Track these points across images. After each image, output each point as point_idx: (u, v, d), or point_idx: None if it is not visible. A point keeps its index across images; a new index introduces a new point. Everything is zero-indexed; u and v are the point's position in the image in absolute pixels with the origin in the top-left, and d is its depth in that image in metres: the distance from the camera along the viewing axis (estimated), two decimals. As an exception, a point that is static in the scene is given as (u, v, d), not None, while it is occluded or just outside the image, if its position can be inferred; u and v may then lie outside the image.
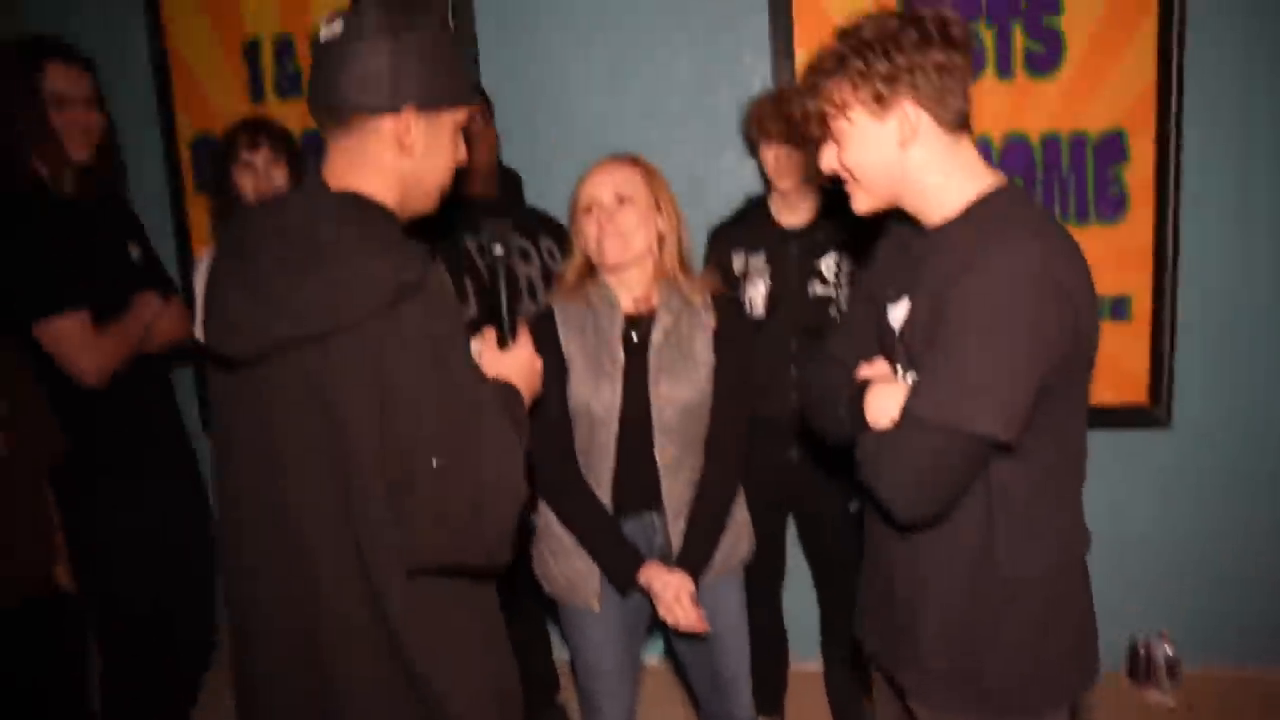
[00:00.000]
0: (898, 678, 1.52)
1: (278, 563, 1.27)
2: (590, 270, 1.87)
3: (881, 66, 1.29)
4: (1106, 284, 2.66)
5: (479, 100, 1.36)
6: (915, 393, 1.30)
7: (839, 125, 1.36)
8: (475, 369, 1.30)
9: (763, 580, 2.43)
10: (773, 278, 2.35)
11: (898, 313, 1.43)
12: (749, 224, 2.45)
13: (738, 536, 1.96)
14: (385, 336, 1.15)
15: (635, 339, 1.85)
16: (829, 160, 1.41)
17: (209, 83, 2.99)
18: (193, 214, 3.06)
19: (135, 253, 2.32)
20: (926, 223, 1.41)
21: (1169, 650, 2.80)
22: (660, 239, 1.86)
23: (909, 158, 1.35)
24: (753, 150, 2.49)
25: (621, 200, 1.81)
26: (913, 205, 1.41)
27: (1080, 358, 1.33)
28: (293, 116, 2.72)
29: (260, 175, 2.31)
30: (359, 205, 1.25)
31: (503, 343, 1.50)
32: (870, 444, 1.35)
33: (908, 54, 1.29)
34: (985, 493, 1.35)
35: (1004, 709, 1.41)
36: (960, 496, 1.34)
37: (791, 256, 2.36)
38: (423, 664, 1.26)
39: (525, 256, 2.34)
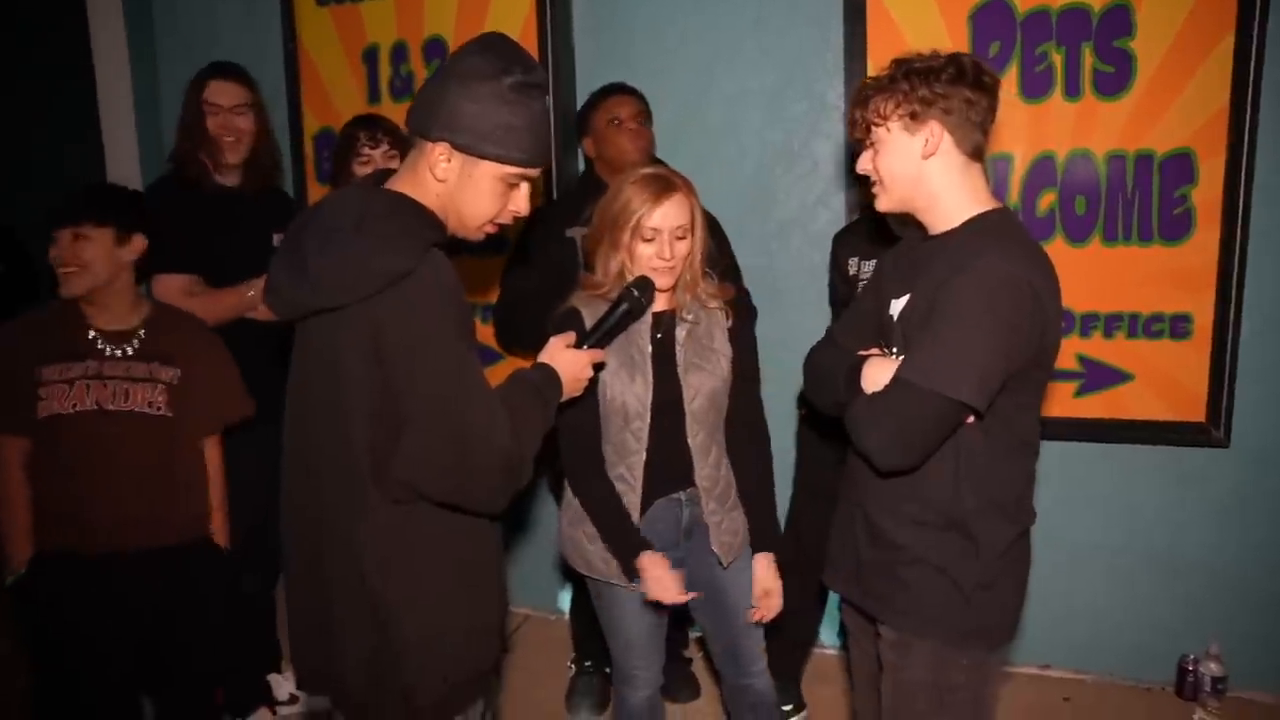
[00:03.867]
0: (870, 609, 1.77)
1: (302, 493, 1.54)
2: (621, 274, 2.02)
3: (921, 91, 1.57)
4: (1167, 302, 2.70)
5: (533, 165, 1.52)
6: (906, 363, 1.56)
7: (879, 133, 1.63)
8: (467, 344, 1.49)
9: (809, 569, 2.57)
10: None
11: (898, 305, 1.67)
12: (865, 231, 2.59)
13: None
14: (385, 309, 1.38)
15: (659, 336, 2.04)
16: (864, 163, 1.68)
17: (332, 83, 3.32)
18: (312, 200, 3.38)
19: (277, 239, 2.64)
20: (931, 231, 1.67)
21: (1216, 669, 2.81)
22: (691, 250, 2.02)
23: (926, 168, 1.61)
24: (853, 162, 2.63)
25: (682, 235, 1.98)
26: (923, 214, 1.67)
27: (1041, 359, 1.59)
28: (404, 117, 2.99)
29: (376, 167, 2.58)
30: (393, 205, 1.46)
31: (578, 345, 1.75)
32: (861, 404, 1.61)
33: (943, 86, 1.57)
34: (955, 455, 1.60)
35: (962, 641, 1.66)
36: (932, 451, 1.58)
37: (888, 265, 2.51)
38: (381, 586, 1.47)
39: None
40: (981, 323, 1.50)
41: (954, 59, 1.59)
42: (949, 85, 1.56)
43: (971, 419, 1.58)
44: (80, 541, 2.13)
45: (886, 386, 1.57)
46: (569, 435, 2.04)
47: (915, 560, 1.66)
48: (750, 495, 2.12)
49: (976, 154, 1.62)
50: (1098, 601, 2.95)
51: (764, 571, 2.09)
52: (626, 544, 2.02)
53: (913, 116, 1.58)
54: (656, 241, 1.96)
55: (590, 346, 1.78)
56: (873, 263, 2.51)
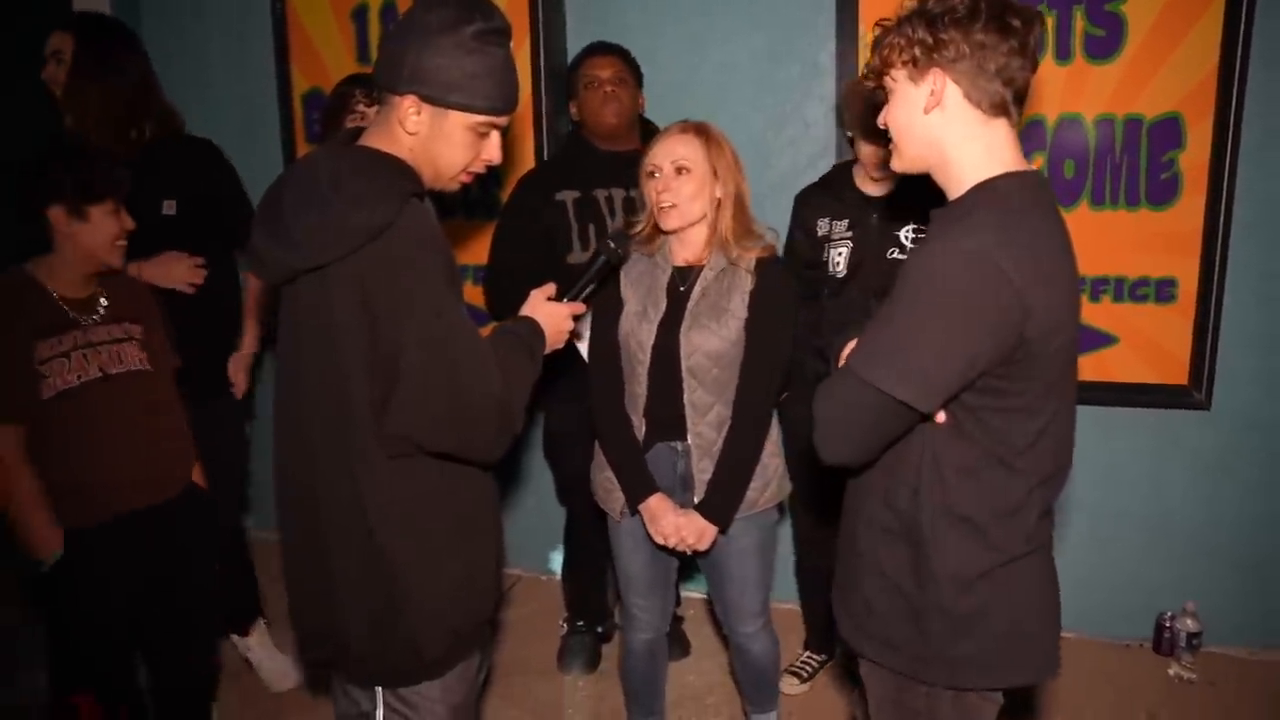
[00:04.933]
0: (840, 625, 1.62)
1: (295, 457, 1.55)
2: (655, 233, 2.07)
3: (924, 35, 1.35)
4: (1152, 266, 2.74)
5: (500, 113, 1.53)
6: (854, 349, 1.40)
7: (888, 82, 1.43)
8: (455, 293, 1.49)
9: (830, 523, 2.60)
10: (854, 242, 2.50)
11: None
12: (834, 191, 2.58)
13: (765, 482, 2.15)
14: (369, 263, 1.39)
15: (680, 289, 2.06)
16: (881, 116, 1.47)
17: (321, 42, 3.29)
18: (302, 162, 3.37)
19: (169, 208, 2.63)
20: (948, 197, 1.45)
21: (1192, 625, 2.88)
22: (717, 204, 2.03)
23: (929, 124, 1.39)
24: (842, 124, 2.65)
25: (680, 170, 1.99)
26: (937, 176, 1.45)
27: (1027, 359, 1.33)
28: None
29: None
30: (368, 159, 1.47)
31: (559, 297, 1.76)
32: (820, 386, 1.44)
33: (951, 29, 1.33)
34: (918, 463, 1.42)
35: (922, 672, 1.47)
36: (876, 449, 1.42)
37: (872, 224, 2.49)
38: (389, 554, 1.49)
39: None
40: (930, 309, 1.30)
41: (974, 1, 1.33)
42: (957, 28, 1.32)
43: (943, 418, 1.38)
44: (95, 514, 2.12)
45: (835, 373, 1.42)
46: (594, 366, 2.13)
47: (874, 572, 1.49)
48: (721, 460, 2.07)
49: (998, 109, 1.37)
50: (1078, 561, 3.00)
51: (686, 523, 2.05)
52: (637, 480, 2.09)
53: (914, 63, 1.37)
54: (656, 178, 1.98)
55: (570, 300, 1.80)
56: (844, 222, 2.52)
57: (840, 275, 2.51)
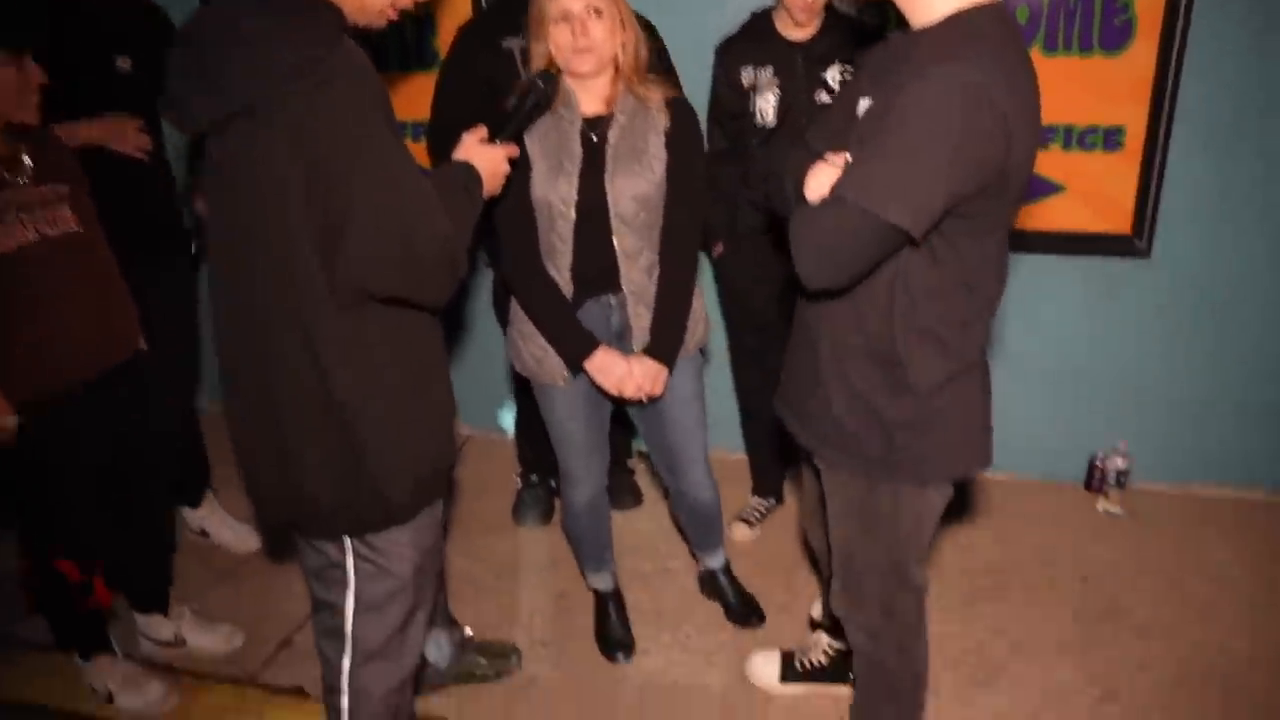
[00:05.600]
0: (805, 440, 1.74)
1: (238, 318, 1.50)
2: (550, 62, 1.96)
3: None
4: (1102, 114, 2.72)
5: None
6: (844, 175, 1.41)
7: None
8: (393, 130, 1.42)
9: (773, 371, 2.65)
10: (781, 89, 2.47)
11: (864, 105, 1.53)
12: (756, 39, 2.53)
13: (694, 322, 2.16)
14: (304, 104, 1.32)
15: (594, 139, 1.99)
16: None
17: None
18: None
19: (124, 65, 2.48)
20: (912, 26, 1.47)
21: (1122, 463, 3.02)
22: (622, 47, 1.96)
23: None
24: None
25: (595, 11, 1.91)
26: (903, 3, 1.47)
27: (1003, 186, 1.40)
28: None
29: None
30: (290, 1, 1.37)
31: (491, 140, 1.71)
32: (799, 215, 1.48)
33: None
34: (890, 287, 1.50)
35: (890, 475, 1.63)
36: (862, 273, 1.47)
37: (798, 68, 2.46)
38: (347, 405, 1.48)
39: None
40: (927, 138, 1.33)
41: None
42: None
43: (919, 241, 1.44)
44: (44, 382, 2.08)
45: (822, 200, 1.43)
46: (506, 233, 2.03)
47: (847, 392, 1.60)
48: (659, 302, 2.08)
49: None
50: (1016, 405, 3.09)
51: (637, 367, 2.06)
52: (576, 339, 2.05)
53: None
54: (569, 23, 1.90)
55: (502, 141, 1.75)
56: (769, 69, 2.48)
57: (769, 124, 2.49)
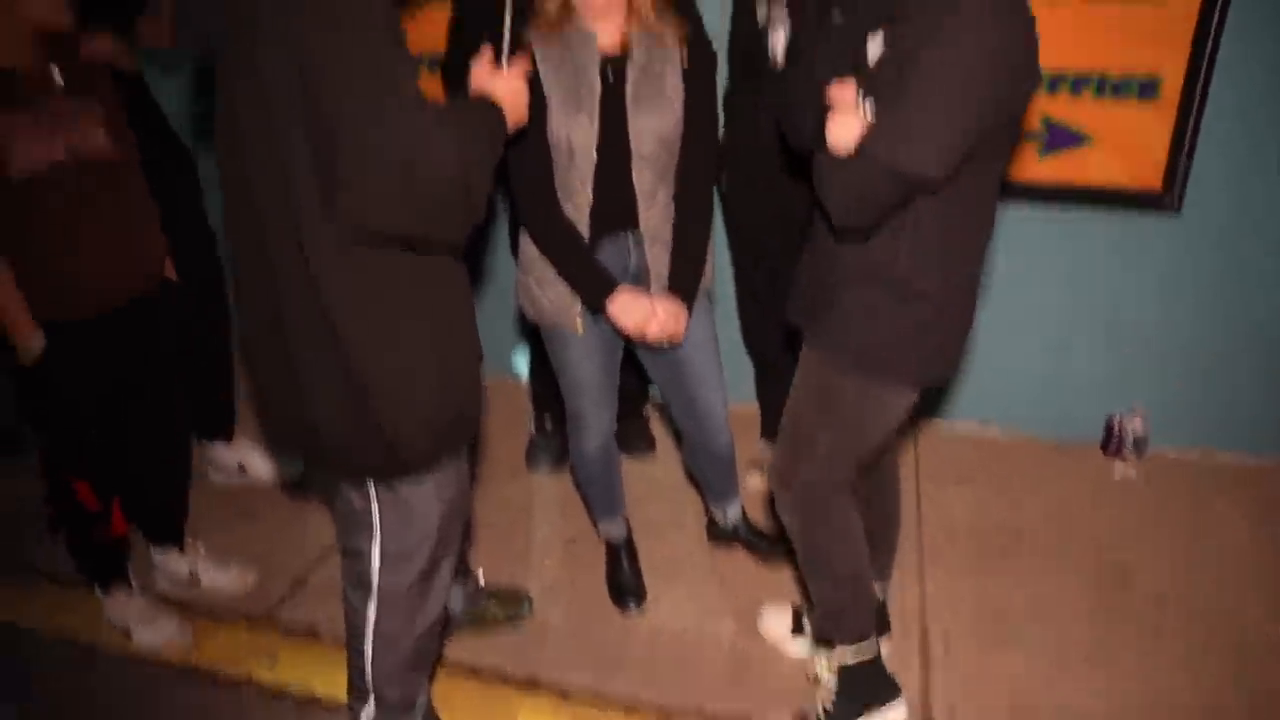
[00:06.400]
0: (810, 338, 1.84)
1: (249, 243, 1.46)
2: (566, 10, 1.91)
3: None
4: (1139, 63, 2.63)
5: None
6: (874, 131, 1.48)
7: None
8: (398, 50, 1.34)
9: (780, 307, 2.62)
10: (793, 25, 2.39)
11: (874, 45, 1.56)
12: None
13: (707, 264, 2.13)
14: (304, 19, 1.25)
15: (611, 77, 1.94)
16: None
17: None
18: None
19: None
20: None
21: (1139, 428, 2.99)
22: None
23: None
24: None
25: None
26: None
27: (1013, 129, 1.55)
28: None
29: None
30: None
31: (497, 63, 1.63)
32: (825, 165, 1.56)
33: None
34: (901, 224, 1.60)
35: (874, 371, 1.74)
36: (889, 216, 1.57)
37: (809, 5, 2.37)
38: (355, 352, 1.44)
39: None
40: (956, 96, 1.42)
41: None
42: None
43: None
44: (74, 307, 2.08)
45: (852, 154, 1.51)
46: (520, 172, 1.98)
47: (855, 302, 1.70)
48: (677, 243, 2.06)
49: None
50: (1036, 362, 3.07)
51: (661, 306, 2.04)
52: (597, 280, 2.02)
53: None
54: None
55: (509, 58, 1.69)
56: (782, 6, 2.39)
57: (780, 63, 2.42)
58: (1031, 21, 1.46)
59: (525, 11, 1.81)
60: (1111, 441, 3.06)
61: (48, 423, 2.22)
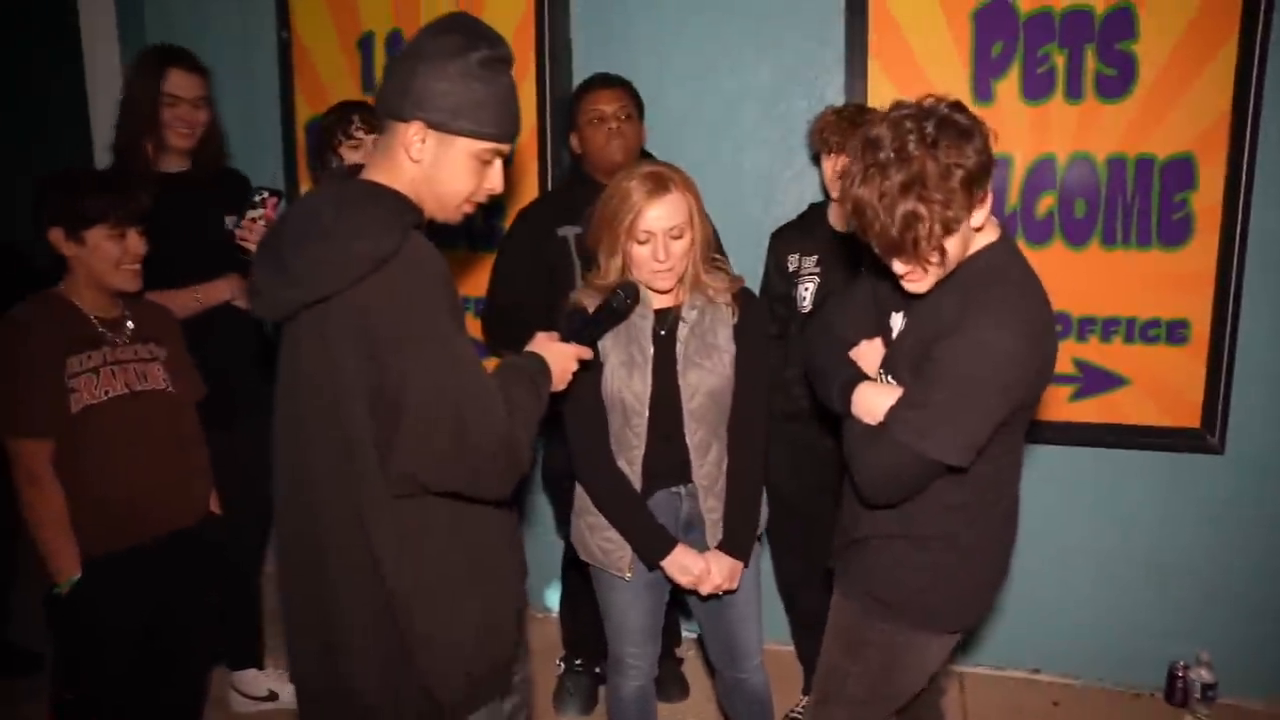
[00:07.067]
0: (839, 582, 1.87)
1: (295, 503, 1.51)
2: (621, 274, 1.99)
3: (959, 191, 1.45)
4: (1164, 307, 2.69)
5: (505, 140, 1.52)
6: (900, 419, 1.56)
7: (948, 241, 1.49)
8: (457, 325, 1.45)
9: (817, 561, 2.55)
10: (821, 277, 2.50)
11: (897, 322, 1.66)
12: (806, 228, 2.61)
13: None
14: (372, 295, 1.36)
15: (663, 333, 2.01)
16: (945, 248, 1.50)
17: (326, 71, 3.27)
18: (304, 189, 3.35)
19: (230, 221, 2.62)
20: None
21: (1206, 675, 2.81)
22: (692, 244, 1.98)
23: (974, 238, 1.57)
24: (816, 160, 2.62)
25: (676, 235, 1.93)
26: None
27: (1033, 405, 1.63)
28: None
29: (367, 153, 2.53)
30: (368, 192, 1.45)
31: (565, 339, 1.74)
32: (853, 437, 1.66)
33: (971, 155, 1.45)
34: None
35: (899, 618, 1.75)
36: (915, 495, 1.64)
37: (841, 259, 2.49)
38: (402, 593, 1.45)
39: None
40: (978, 394, 1.51)
41: (940, 121, 1.46)
42: (975, 153, 1.45)
43: None
44: (116, 539, 2.11)
45: (880, 438, 1.58)
46: (577, 427, 2.03)
47: (876, 548, 1.76)
48: (731, 496, 2.07)
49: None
50: (1088, 607, 2.94)
51: (715, 565, 2.03)
52: (652, 536, 2.03)
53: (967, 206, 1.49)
54: (651, 244, 1.92)
55: (578, 343, 1.77)
56: (814, 258, 2.53)
57: (805, 310, 2.52)
58: (1045, 310, 1.57)
59: (621, 315, 1.90)
60: (1177, 690, 2.87)
61: (65, 653, 2.17)
